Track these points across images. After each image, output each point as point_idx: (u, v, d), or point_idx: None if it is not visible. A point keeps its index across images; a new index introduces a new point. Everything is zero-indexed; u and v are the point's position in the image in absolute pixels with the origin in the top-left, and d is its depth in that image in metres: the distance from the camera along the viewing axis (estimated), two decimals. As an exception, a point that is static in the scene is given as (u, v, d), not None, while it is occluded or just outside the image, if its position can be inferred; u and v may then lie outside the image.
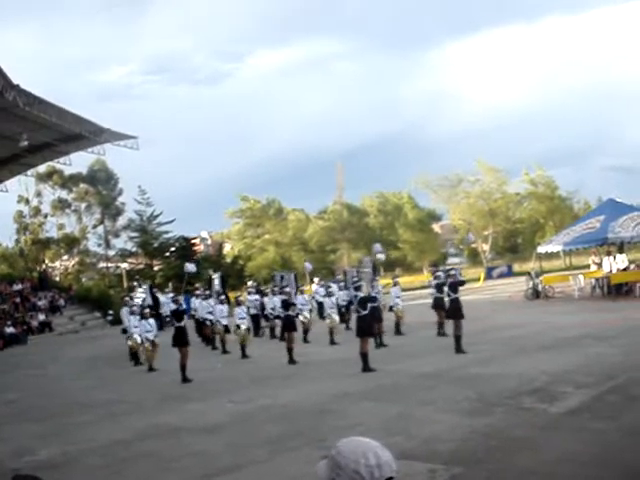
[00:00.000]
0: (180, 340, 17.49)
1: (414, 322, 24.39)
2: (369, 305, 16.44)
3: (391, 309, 22.79)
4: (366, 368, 15.57)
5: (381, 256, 18.88)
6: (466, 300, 21.38)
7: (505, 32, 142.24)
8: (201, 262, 58.01)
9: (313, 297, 25.64)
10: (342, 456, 2.20)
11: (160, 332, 21.89)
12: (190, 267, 23.17)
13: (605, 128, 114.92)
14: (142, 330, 20.20)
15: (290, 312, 19.43)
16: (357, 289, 17.82)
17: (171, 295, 30.34)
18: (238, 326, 21.20)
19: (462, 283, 18.79)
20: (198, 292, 28.00)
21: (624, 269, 30.45)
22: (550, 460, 8.01)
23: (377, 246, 20.35)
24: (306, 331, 23.12)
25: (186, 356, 17.25)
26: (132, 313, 21.54)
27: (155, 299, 25.06)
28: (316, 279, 32.10)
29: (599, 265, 32.93)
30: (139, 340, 20.58)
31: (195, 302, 27.04)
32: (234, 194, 76.43)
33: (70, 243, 62.52)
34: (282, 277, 27.85)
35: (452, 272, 19.53)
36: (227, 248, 78.44)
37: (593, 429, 9.17)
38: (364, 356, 15.70)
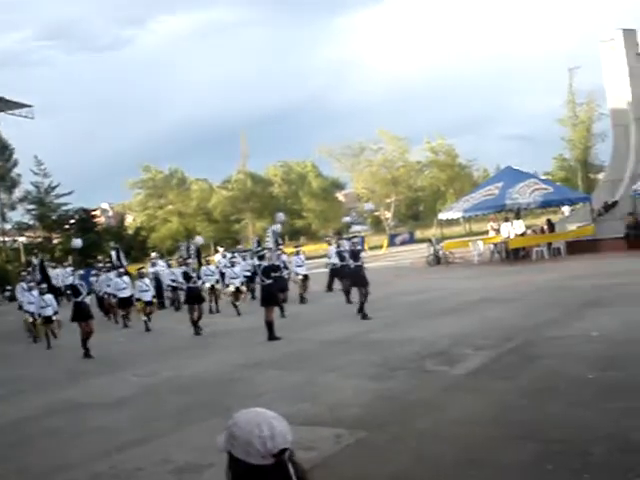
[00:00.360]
0: (79, 315, 17.06)
1: (319, 290, 24.62)
2: (273, 274, 16.47)
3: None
4: (272, 337, 15.61)
5: (278, 226, 18.92)
6: (370, 267, 21.70)
7: (409, 1, 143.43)
8: (102, 234, 57.00)
9: (217, 267, 25.44)
10: (237, 427, 2.20)
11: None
12: (76, 242, 22.62)
13: (504, 98, 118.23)
14: (37, 306, 19.63)
15: (191, 283, 19.20)
16: (261, 258, 17.78)
17: (70, 269, 29.61)
18: (139, 299, 20.89)
19: (359, 252, 18.90)
20: (99, 265, 27.44)
21: (521, 234, 31.40)
22: (451, 421, 8.22)
23: (280, 215, 20.36)
24: (215, 302, 23.09)
25: (88, 331, 16.82)
26: (29, 289, 20.93)
27: (45, 274, 24.29)
28: (220, 249, 31.86)
29: (497, 231, 33.89)
30: (33, 317, 20.04)
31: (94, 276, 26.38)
32: (136, 164, 75.02)
33: (-37, 217, 60.24)
34: (188, 247, 27.50)
35: (355, 240, 19.76)
36: (129, 220, 77.10)
37: (492, 390, 9.45)
38: (269, 325, 15.74)
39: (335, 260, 23.28)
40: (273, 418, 2.23)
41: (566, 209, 37.21)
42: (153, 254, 32.31)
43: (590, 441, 6.93)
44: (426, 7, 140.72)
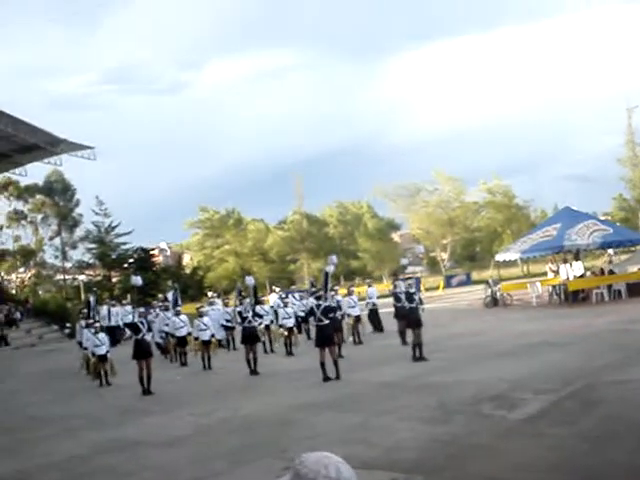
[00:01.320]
0: (140, 352, 17.26)
1: (372, 331, 24.50)
2: (329, 315, 16.45)
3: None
4: (325, 378, 15.56)
5: (330, 268, 18.96)
6: (426, 308, 21.50)
7: (461, 42, 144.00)
8: (160, 273, 57.74)
9: (272, 307, 25.55)
10: (304, 465, 2.19)
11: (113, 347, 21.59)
12: (135, 280, 22.87)
13: (560, 138, 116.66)
14: (91, 344, 19.88)
15: (247, 323, 19.27)
16: (318, 299, 17.77)
17: (129, 307, 29.99)
18: (197, 338, 21.05)
19: (414, 294, 18.78)
20: (157, 304, 27.68)
21: (580, 276, 30.88)
22: (509, 467, 8.07)
23: (332, 258, 20.41)
24: (270, 341, 23.12)
25: (148, 368, 17.02)
26: (86, 327, 21.25)
27: (93, 312, 24.51)
28: (276, 289, 32.01)
29: (556, 272, 33.36)
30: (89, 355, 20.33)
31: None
32: (193, 205, 76.21)
33: (26, 255, 61.69)
34: (239, 288, 27.59)
35: (409, 282, 19.69)
36: (186, 259, 78.07)
37: (551, 435, 9.25)
38: (322, 365, 15.70)
39: (375, 301, 23.50)
40: (340, 462, 2.22)
41: (611, 251, 36.21)
42: (210, 293, 32.54)
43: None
44: (480, 47, 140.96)
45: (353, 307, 23.25)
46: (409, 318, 18.35)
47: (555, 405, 11.02)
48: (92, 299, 24.91)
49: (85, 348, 20.98)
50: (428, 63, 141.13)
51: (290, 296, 26.74)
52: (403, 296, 18.94)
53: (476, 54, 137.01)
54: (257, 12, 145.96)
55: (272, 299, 28.16)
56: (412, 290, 18.88)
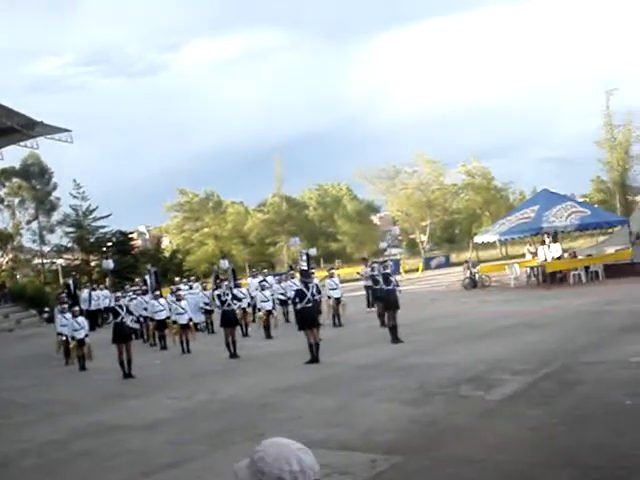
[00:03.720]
0: (119, 336, 17.21)
1: (354, 313, 24.55)
2: (307, 297, 16.41)
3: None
4: (313, 359, 15.59)
5: (313, 250, 19.04)
6: (405, 290, 21.59)
7: (441, 23, 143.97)
8: (138, 257, 57.46)
9: (248, 290, 25.50)
10: (265, 462, 2.13)
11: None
12: (108, 264, 22.76)
13: (539, 121, 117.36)
14: (70, 329, 19.76)
15: (226, 307, 19.24)
16: (306, 280, 17.70)
17: (106, 291, 29.85)
18: (175, 322, 21.01)
19: (390, 275, 18.86)
20: (133, 288, 27.51)
21: (558, 258, 31.08)
22: (487, 447, 8.13)
23: (293, 240, 20.45)
24: (246, 325, 23.03)
25: (128, 351, 17.00)
26: (61, 312, 21.09)
27: (73, 296, 24.29)
28: (252, 271, 31.93)
29: (534, 254, 33.57)
30: (64, 339, 20.23)
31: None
32: (172, 187, 75.80)
33: (3, 239, 61.08)
34: (216, 272, 27.52)
35: (386, 264, 19.81)
36: (166, 242, 77.74)
37: (529, 416, 9.33)
38: (311, 347, 15.71)
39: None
40: (300, 451, 2.18)
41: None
42: (177, 279, 32.10)
43: (628, 468, 6.81)
44: (461, 29, 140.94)
45: (334, 289, 23.27)
46: (386, 300, 18.39)
47: (532, 386, 11.12)
48: (71, 283, 24.77)
49: (59, 333, 20.83)
50: (409, 46, 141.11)
51: (269, 279, 26.69)
52: (380, 278, 18.98)
53: (456, 36, 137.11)
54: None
55: (251, 282, 28.06)
56: (387, 271, 18.97)
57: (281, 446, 2.17)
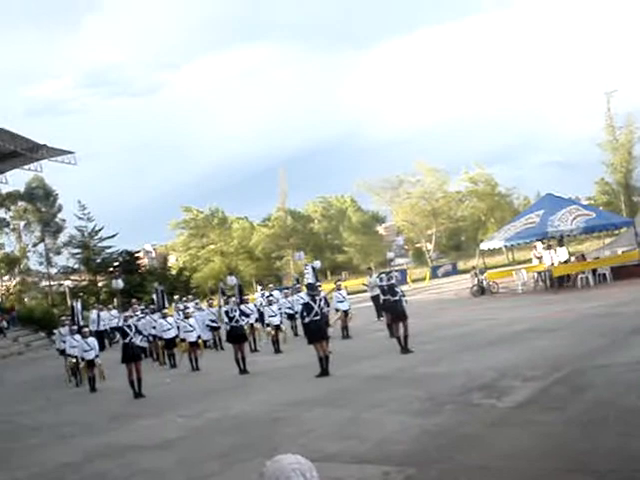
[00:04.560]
0: (128, 356, 17.22)
1: (362, 324, 24.52)
2: (315, 310, 16.41)
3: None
4: (324, 372, 15.57)
5: (317, 263, 19.05)
6: (413, 300, 21.57)
7: (439, 31, 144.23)
8: (145, 276, 57.54)
9: (255, 305, 25.53)
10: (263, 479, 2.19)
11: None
12: (117, 283, 22.77)
13: (540, 125, 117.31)
14: (80, 350, 19.78)
15: (234, 323, 19.22)
16: (313, 293, 17.68)
17: (115, 312, 29.83)
18: (183, 339, 21.00)
19: (394, 286, 18.87)
20: (140, 307, 27.48)
21: (565, 262, 31.02)
22: (500, 455, 8.09)
23: (299, 254, 20.47)
24: (254, 340, 23.01)
25: (138, 371, 17.01)
26: (71, 333, 21.10)
27: (78, 318, 24.26)
28: (259, 287, 31.94)
29: (540, 259, 33.50)
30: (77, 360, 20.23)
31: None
32: (177, 205, 75.96)
33: (10, 263, 61.33)
34: (222, 288, 27.47)
35: (391, 275, 19.80)
36: (172, 260, 77.84)
37: (541, 422, 9.29)
38: (321, 360, 15.70)
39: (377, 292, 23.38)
40: (293, 470, 2.21)
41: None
42: (176, 297, 31.98)
43: (643, 472, 6.78)
44: (458, 36, 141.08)
45: (342, 302, 23.26)
46: (393, 311, 18.39)
47: (544, 392, 11.07)
48: (77, 305, 24.78)
49: (69, 355, 20.84)
50: (407, 55, 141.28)
51: (276, 293, 26.69)
52: (386, 289, 18.99)
53: (455, 43, 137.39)
54: (233, 10, 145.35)
55: (255, 297, 28.07)
56: (392, 282, 18.98)
57: (282, 466, 2.21)
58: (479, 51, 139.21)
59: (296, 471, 2.21)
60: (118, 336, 19.45)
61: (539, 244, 35.46)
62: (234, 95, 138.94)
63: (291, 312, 24.87)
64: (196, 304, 28.14)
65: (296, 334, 24.29)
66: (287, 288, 30.41)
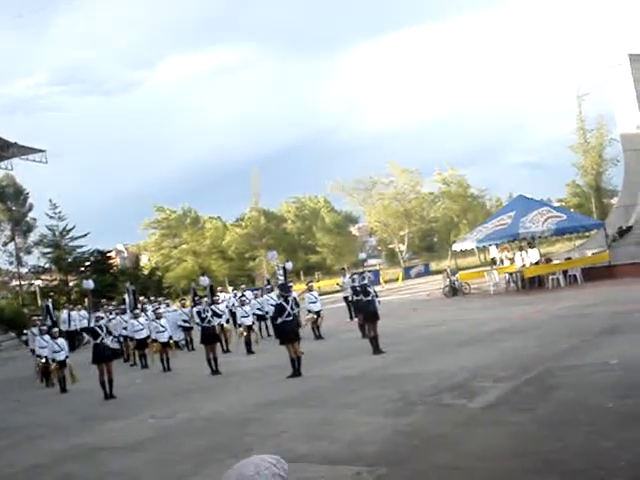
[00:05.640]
0: (100, 356, 17.09)
1: (334, 325, 24.55)
2: (287, 311, 16.39)
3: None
4: (296, 373, 15.57)
5: (289, 264, 18.98)
6: (386, 300, 21.62)
7: (412, 34, 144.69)
8: (117, 276, 57.10)
9: (227, 306, 25.42)
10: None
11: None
12: (88, 284, 22.56)
13: (512, 127, 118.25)
14: (50, 350, 19.59)
15: (206, 323, 19.15)
16: (285, 293, 17.65)
17: (84, 312, 29.52)
18: (155, 340, 20.88)
19: (367, 286, 18.92)
20: (110, 307, 27.26)
21: (536, 263, 31.27)
22: (471, 456, 8.14)
23: (271, 254, 20.43)
24: (225, 341, 22.90)
25: (109, 372, 16.89)
26: (40, 333, 20.89)
27: (52, 318, 24.04)
28: (230, 288, 31.81)
29: (511, 260, 33.76)
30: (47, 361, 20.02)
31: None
32: (150, 205, 75.39)
33: (-20, 263, 60.59)
34: (194, 289, 27.23)
35: (364, 275, 19.87)
36: (144, 260, 77.33)
37: (511, 422, 9.36)
38: (293, 361, 15.69)
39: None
40: (258, 474, 2.23)
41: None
42: (141, 298, 31.59)
43: (611, 471, 6.85)
44: (432, 39, 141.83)
45: (314, 302, 23.26)
46: (366, 311, 18.43)
47: (514, 392, 11.16)
48: (49, 305, 24.56)
49: (38, 355, 20.65)
50: (381, 57, 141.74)
51: (248, 293, 26.59)
52: (359, 289, 19.03)
53: (428, 46, 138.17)
54: (209, 9, 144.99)
55: (225, 298, 27.92)
56: (364, 282, 19.04)
57: (243, 467, 2.24)
58: (454, 54, 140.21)
59: (260, 474, 2.22)
60: (87, 338, 19.26)
61: (493, 248, 35.91)
62: (208, 94, 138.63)
63: (260, 313, 24.78)
64: (166, 305, 27.83)
65: (268, 335, 24.26)
66: (258, 289, 30.25)
